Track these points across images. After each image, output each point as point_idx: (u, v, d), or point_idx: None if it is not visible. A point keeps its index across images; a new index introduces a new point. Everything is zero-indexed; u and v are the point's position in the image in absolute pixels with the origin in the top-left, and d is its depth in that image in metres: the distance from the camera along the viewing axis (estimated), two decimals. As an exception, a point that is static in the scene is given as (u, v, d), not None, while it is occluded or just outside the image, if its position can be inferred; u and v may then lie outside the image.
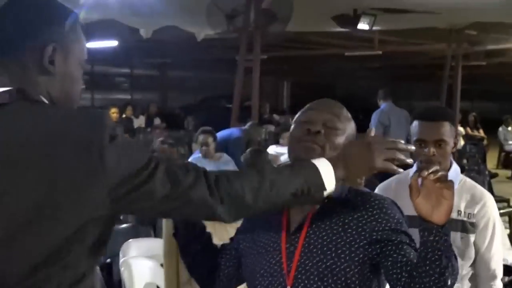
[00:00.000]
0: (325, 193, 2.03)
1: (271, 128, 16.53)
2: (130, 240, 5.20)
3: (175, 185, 1.79)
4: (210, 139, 8.68)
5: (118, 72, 31.27)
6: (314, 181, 2.00)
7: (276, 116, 24.07)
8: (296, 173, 2.01)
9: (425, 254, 2.09)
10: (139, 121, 17.91)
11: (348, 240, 2.31)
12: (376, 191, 3.56)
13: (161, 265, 4.66)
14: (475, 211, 3.36)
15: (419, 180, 2.10)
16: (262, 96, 14.32)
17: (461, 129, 17.15)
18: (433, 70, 23.74)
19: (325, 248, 2.32)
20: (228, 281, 2.69)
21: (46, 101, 1.84)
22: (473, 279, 3.51)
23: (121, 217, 6.31)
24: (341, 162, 2.07)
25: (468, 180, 3.50)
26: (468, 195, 3.38)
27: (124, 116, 16.34)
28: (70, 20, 1.92)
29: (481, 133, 19.44)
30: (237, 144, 9.88)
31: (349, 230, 2.32)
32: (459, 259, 2.38)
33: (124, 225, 6.01)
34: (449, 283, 2.10)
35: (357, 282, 2.30)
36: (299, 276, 2.35)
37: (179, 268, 3.38)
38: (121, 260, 4.92)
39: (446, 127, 3.32)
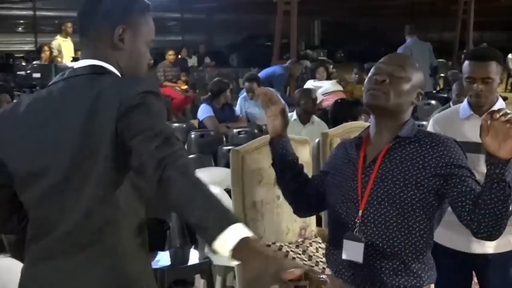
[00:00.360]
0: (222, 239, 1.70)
1: (307, 63, 16.84)
2: (197, 169, 5.25)
3: (157, 153, 1.80)
4: (255, 85, 8.41)
5: (170, 17, 31.50)
6: (214, 232, 1.72)
7: (309, 52, 24.27)
8: (218, 216, 1.75)
9: (491, 184, 2.11)
10: (192, 61, 17.91)
11: (414, 173, 2.36)
12: (432, 120, 3.60)
13: (225, 190, 4.75)
14: None
15: (489, 121, 2.08)
16: (297, 35, 14.45)
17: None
18: (447, 4, 23.38)
19: (394, 179, 2.38)
20: (314, 206, 2.80)
21: (115, 70, 2.04)
22: None
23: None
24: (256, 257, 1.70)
25: None
26: None
27: (180, 56, 16.30)
28: (140, 7, 2.11)
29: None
30: (280, 80, 10.15)
31: (416, 165, 2.37)
32: None
33: (191, 156, 5.93)
34: (510, 208, 2.15)
35: (421, 207, 2.35)
36: (370, 201, 2.42)
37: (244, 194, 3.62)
38: None
39: (493, 66, 3.17)
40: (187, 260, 4.55)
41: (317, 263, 3.77)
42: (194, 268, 4.56)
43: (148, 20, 2.13)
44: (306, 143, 4.09)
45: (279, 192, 3.70)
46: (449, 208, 2.42)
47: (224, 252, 1.69)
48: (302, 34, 25.87)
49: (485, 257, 3.22)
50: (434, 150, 2.38)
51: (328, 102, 9.04)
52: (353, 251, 2.42)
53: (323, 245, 3.99)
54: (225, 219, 1.73)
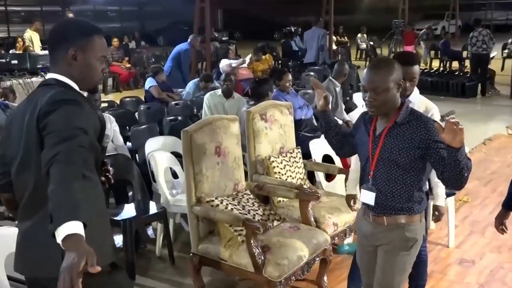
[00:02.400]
0: (59, 231, 1.64)
1: (216, 44, 16.59)
2: (150, 138, 5.06)
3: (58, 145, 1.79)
4: (209, 84, 7.98)
5: (112, 9, 32.10)
6: (58, 218, 1.65)
7: (216, 34, 23.89)
8: (63, 213, 1.65)
9: (449, 161, 2.31)
10: (131, 44, 17.39)
11: (406, 145, 2.50)
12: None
13: (172, 153, 4.79)
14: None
15: (443, 123, 2.23)
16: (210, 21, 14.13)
17: (335, 38, 17.34)
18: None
19: (393, 149, 2.53)
20: (347, 153, 2.99)
21: (69, 80, 2.06)
22: None
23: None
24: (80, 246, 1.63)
25: (423, 97, 3.32)
26: (424, 106, 3.20)
27: (124, 42, 16.00)
28: (89, 31, 2.09)
29: (346, 39, 19.60)
30: (187, 53, 9.83)
31: (407, 140, 2.50)
32: None
33: (142, 126, 5.82)
34: (466, 174, 2.33)
35: (412, 168, 2.52)
36: (378, 164, 2.59)
37: (193, 163, 3.50)
38: (147, 153, 4.82)
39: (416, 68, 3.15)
40: (148, 210, 4.34)
41: (249, 211, 3.66)
42: (154, 216, 4.37)
43: (97, 41, 2.11)
44: (236, 120, 3.95)
45: (218, 159, 3.69)
46: None
47: (58, 241, 1.65)
48: (210, 20, 25.66)
49: None
50: (418, 130, 2.49)
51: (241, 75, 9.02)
52: (367, 197, 2.66)
53: (252, 196, 3.92)
54: (67, 216, 1.66)
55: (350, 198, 3.42)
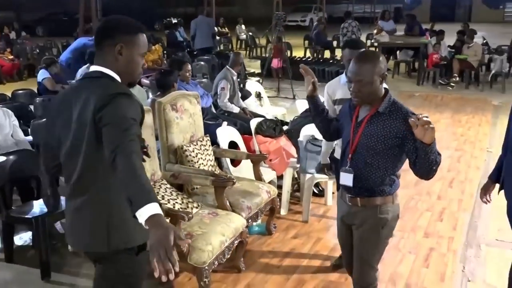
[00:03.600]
0: (141, 212, 1.72)
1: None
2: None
3: (120, 134, 1.88)
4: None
5: None
6: (139, 202, 1.73)
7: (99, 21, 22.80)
8: (140, 196, 1.75)
9: (420, 154, 2.35)
10: (12, 35, 16.15)
11: (384, 134, 2.51)
12: (326, 86, 3.63)
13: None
14: None
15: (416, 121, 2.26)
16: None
17: (216, 28, 17.24)
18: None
19: (372, 137, 2.54)
20: (334, 136, 2.95)
21: (113, 73, 2.11)
22: None
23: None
24: (159, 225, 1.69)
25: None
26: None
27: (4, 33, 14.75)
28: (134, 30, 2.13)
29: (226, 30, 19.56)
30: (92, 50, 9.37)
31: (386, 129, 2.51)
32: None
33: (44, 120, 5.16)
34: (434, 168, 2.38)
35: (388, 155, 2.53)
36: (357, 149, 2.60)
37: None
38: None
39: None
40: (59, 206, 3.99)
41: (168, 201, 3.53)
42: (67, 212, 4.01)
43: (140, 38, 2.16)
44: (149, 112, 3.75)
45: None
46: None
47: (141, 221, 1.71)
48: (90, 10, 24.47)
49: None
50: (397, 120, 2.49)
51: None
52: (345, 178, 2.66)
53: (169, 185, 3.78)
54: (145, 199, 1.73)
55: (324, 167, 3.54)
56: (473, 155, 6.53)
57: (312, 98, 2.88)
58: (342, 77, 3.51)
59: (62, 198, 4.09)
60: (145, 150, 2.32)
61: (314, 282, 3.69)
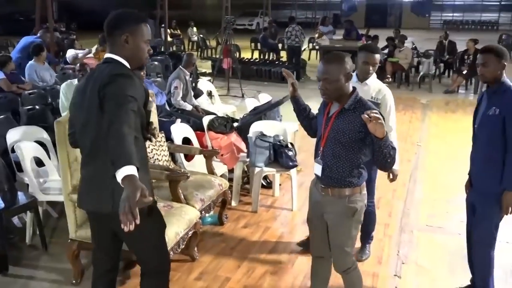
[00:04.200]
0: (119, 172, 1.88)
1: (58, 34, 15.16)
2: (11, 129, 4.48)
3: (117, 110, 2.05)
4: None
5: None
6: (118, 163, 1.89)
7: (55, 25, 21.95)
8: (122, 159, 1.90)
9: (375, 148, 2.44)
10: None
11: (350, 128, 2.56)
12: None
13: (35, 141, 4.30)
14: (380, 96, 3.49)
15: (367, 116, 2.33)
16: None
17: (169, 30, 16.97)
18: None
19: (341, 130, 2.58)
20: (315, 130, 2.86)
21: (122, 59, 2.26)
22: None
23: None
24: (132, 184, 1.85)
25: (379, 81, 3.57)
26: (377, 88, 3.50)
27: None
28: (137, 20, 2.28)
29: (179, 32, 19.26)
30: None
31: (351, 123, 2.55)
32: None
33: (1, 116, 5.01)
34: (389, 160, 2.47)
35: (354, 147, 2.58)
36: (327, 142, 2.65)
37: (68, 152, 3.15)
38: (9, 144, 4.34)
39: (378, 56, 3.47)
40: (16, 200, 3.80)
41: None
42: (25, 206, 3.86)
43: (143, 28, 2.30)
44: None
45: None
46: None
47: (119, 179, 1.88)
48: (46, 11, 23.66)
49: None
50: (360, 117, 2.45)
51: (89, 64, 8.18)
52: (317, 168, 2.72)
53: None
54: (124, 162, 1.89)
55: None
56: (405, 149, 6.67)
57: (294, 98, 2.94)
58: (353, 77, 3.57)
59: (20, 193, 3.91)
60: (152, 131, 2.48)
61: (263, 268, 3.68)
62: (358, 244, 3.94)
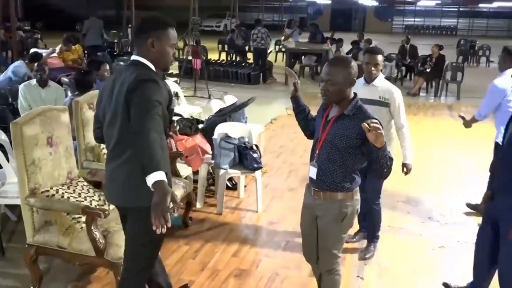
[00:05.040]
0: (150, 178, 2.01)
1: (21, 33, 14.67)
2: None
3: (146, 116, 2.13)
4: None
5: None
6: (148, 169, 2.01)
7: (19, 24, 21.30)
8: (151, 165, 2.02)
9: (373, 157, 2.41)
10: None
11: (348, 134, 2.53)
12: None
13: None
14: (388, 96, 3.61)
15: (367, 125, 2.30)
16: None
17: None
18: None
19: (338, 134, 2.55)
20: (312, 131, 2.85)
21: (148, 62, 2.33)
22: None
23: None
24: (161, 191, 1.98)
25: (387, 81, 3.73)
26: (387, 88, 3.63)
27: None
28: (164, 25, 2.34)
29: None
30: None
31: (349, 130, 2.53)
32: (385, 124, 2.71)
33: None
34: (385, 170, 2.45)
35: (350, 153, 2.55)
36: (323, 146, 2.62)
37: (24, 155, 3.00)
38: None
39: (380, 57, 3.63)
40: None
41: (85, 198, 3.28)
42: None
43: (170, 32, 2.36)
44: (66, 111, 3.46)
45: (51, 150, 3.21)
46: None
47: (149, 184, 2.01)
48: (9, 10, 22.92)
49: None
50: (359, 124, 2.42)
51: (51, 64, 7.90)
52: (311, 171, 2.69)
53: (86, 182, 3.52)
54: (154, 168, 2.02)
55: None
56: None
57: (294, 98, 2.95)
58: (361, 79, 3.66)
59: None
60: (174, 129, 2.60)
61: (227, 271, 3.61)
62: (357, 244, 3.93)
